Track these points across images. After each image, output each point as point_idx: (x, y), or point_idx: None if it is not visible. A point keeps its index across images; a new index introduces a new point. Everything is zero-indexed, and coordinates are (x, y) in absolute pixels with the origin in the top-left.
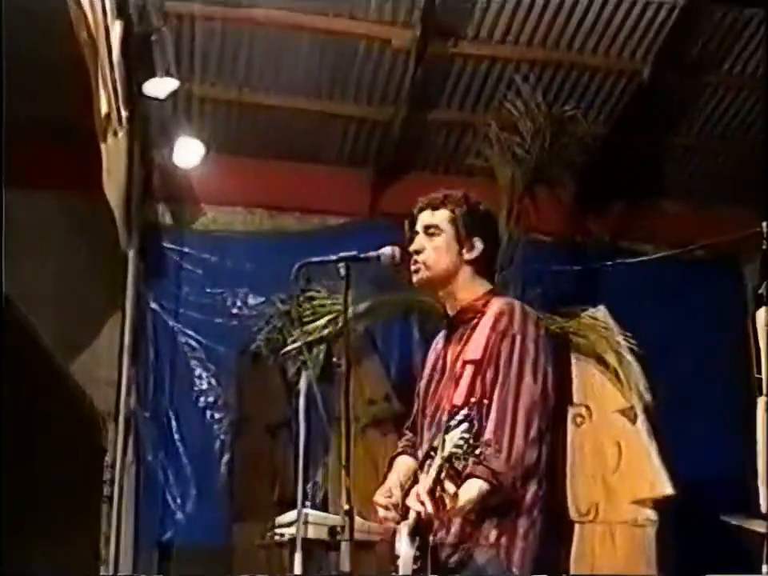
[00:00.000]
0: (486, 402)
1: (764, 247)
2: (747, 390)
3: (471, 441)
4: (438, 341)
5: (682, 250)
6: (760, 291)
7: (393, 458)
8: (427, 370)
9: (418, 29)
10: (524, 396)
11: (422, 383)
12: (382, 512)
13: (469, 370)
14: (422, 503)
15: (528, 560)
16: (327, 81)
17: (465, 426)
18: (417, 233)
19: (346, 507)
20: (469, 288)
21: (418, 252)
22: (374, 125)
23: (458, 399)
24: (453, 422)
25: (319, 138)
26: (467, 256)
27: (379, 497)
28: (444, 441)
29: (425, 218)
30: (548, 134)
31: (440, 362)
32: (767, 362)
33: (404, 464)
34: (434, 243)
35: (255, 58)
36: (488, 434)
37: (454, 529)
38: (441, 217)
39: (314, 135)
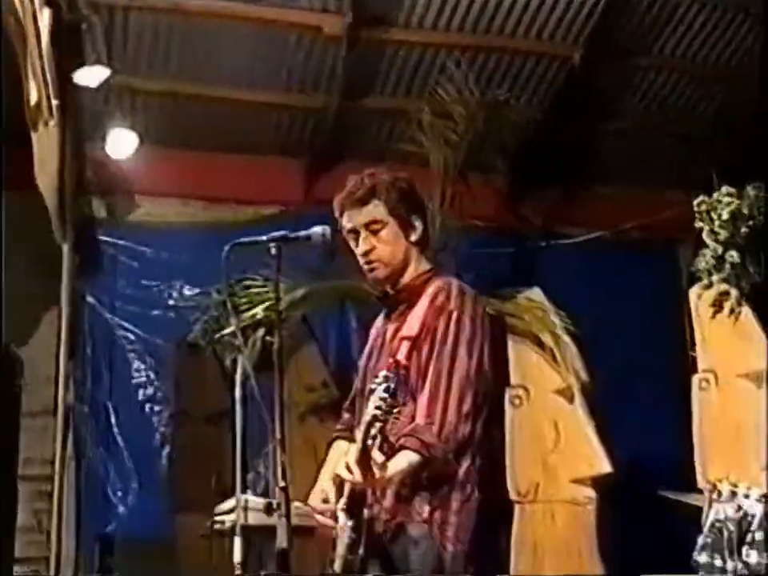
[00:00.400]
0: (413, 373)
1: (696, 224)
2: (683, 368)
3: (389, 400)
4: (379, 319)
5: (616, 230)
6: (692, 268)
7: (329, 444)
8: (367, 349)
9: (349, 16)
10: (458, 371)
11: (362, 362)
12: (319, 517)
13: (405, 345)
14: (350, 471)
15: (463, 536)
16: (260, 70)
17: (383, 386)
18: (354, 232)
19: (282, 484)
20: (414, 268)
21: (368, 252)
22: (308, 113)
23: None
24: (373, 386)
25: (253, 127)
26: (413, 238)
27: (314, 500)
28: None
29: (359, 216)
30: (481, 119)
31: (379, 339)
32: (701, 339)
33: (339, 451)
34: (382, 237)
35: (188, 48)
36: (421, 408)
37: (387, 503)
38: (378, 210)
39: (247, 125)
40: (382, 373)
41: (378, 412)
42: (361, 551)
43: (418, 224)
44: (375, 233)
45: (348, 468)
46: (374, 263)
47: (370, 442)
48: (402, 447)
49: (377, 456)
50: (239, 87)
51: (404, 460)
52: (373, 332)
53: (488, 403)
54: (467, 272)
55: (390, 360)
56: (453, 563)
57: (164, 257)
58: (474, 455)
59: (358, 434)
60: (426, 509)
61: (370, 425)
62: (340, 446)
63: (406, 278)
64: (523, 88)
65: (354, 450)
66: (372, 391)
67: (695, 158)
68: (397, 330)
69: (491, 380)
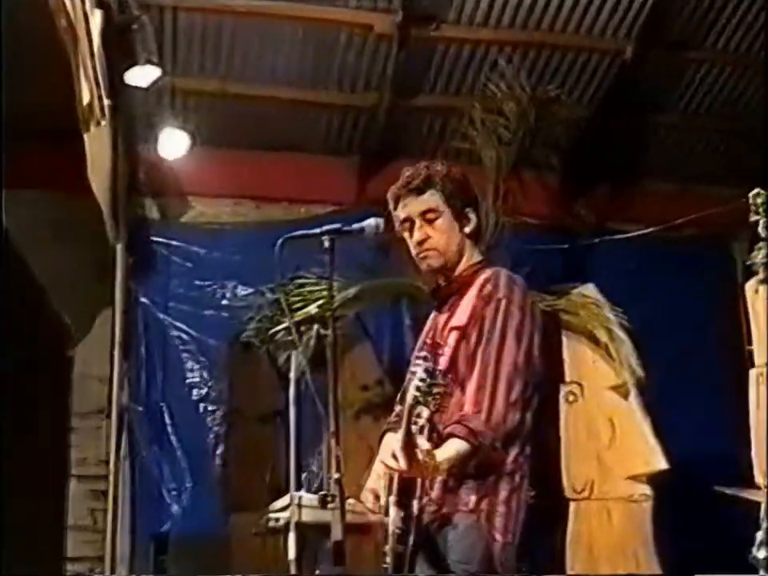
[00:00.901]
0: (461, 363)
1: (751, 218)
2: (739, 363)
3: (429, 380)
4: (432, 314)
5: (669, 225)
6: (748, 262)
7: (381, 437)
8: (419, 342)
9: (399, 14)
10: (506, 359)
11: (414, 356)
12: (371, 516)
13: (454, 335)
14: (396, 459)
15: (512, 526)
16: (310, 69)
17: (422, 367)
18: (409, 222)
19: (336, 476)
20: (467, 260)
21: (423, 241)
22: (359, 112)
23: (442, 365)
24: (413, 368)
25: (304, 127)
26: (467, 230)
27: (366, 496)
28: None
29: (415, 204)
30: (532, 115)
31: (430, 332)
32: (758, 333)
33: (390, 445)
34: (437, 226)
35: (237, 48)
36: (469, 396)
37: (434, 494)
38: (434, 199)
39: (298, 124)
40: (422, 354)
41: (418, 393)
42: (411, 543)
43: (473, 216)
44: (431, 222)
45: (394, 456)
46: (429, 252)
47: (414, 428)
48: (450, 435)
49: (422, 443)
50: (290, 87)
51: (452, 448)
52: (426, 327)
53: (537, 393)
54: (521, 269)
55: (429, 341)
56: (502, 553)
57: (217, 257)
58: (524, 445)
59: (403, 421)
60: (473, 498)
61: (412, 407)
62: (391, 439)
63: (459, 269)
64: (574, 84)
65: (398, 438)
66: (413, 374)
67: (747, 151)
68: (447, 321)
69: (541, 370)
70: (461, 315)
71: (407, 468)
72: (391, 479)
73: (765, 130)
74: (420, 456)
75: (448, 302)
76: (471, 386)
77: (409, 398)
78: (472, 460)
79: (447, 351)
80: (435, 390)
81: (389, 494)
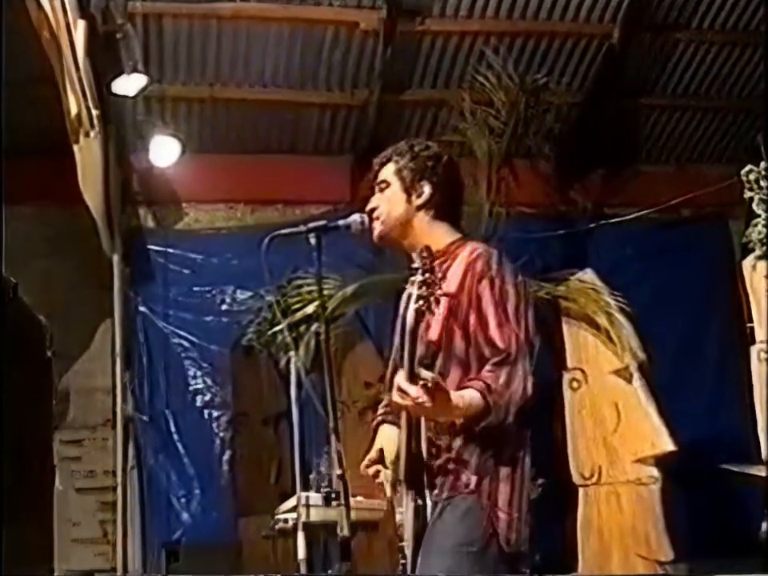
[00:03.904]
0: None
1: (745, 195)
2: (741, 340)
3: (427, 277)
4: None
5: (664, 205)
6: (744, 240)
7: (375, 429)
8: (398, 324)
9: (384, 10)
10: (515, 339)
11: (397, 338)
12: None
13: (443, 302)
14: (404, 392)
15: (517, 503)
16: (298, 70)
17: (419, 265)
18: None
19: (339, 472)
20: (430, 234)
21: (372, 210)
22: (349, 110)
23: (433, 335)
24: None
25: (294, 128)
26: (417, 202)
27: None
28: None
29: (378, 175)
30: (522, 104)
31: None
32: (757, 310)
33: (386, 437)
34: (385, 196)
35: (224, 53)
36: (489, 366)
37: (437, 481)
38: (388, 171)
39: (289, 126)
40: (415, 265)
41: (420, 292)
42: (428, 516)
43: (426, 189)
44: (382, 192)
45: (400, 390)
46: (375, 221)
47: (419, 351)
48: (467, 387)
49: (425, 374)
50: (278, 88)
51: (466, 394)
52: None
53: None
54: (518, 258)
55: (438, 324)
56: (509, 530)
57: (214, 262)
58: (526, 423)
59: (406, 349)
60: (474, 479)
61: (417, 314)
62: (385, 430)
63: (428, 244)
64: (563, 70)
65: (403, 371)
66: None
67: (739, 129)
68: None
69: (537, 348)
70: (449, 283)
71: (418, 396)
72: (397, 460)
73: (764, 107)
74: (429, 384)
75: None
76: (490, 364)
77: (410, 318)
78: (483, 419)
79: (438, 320)
80: (435, 286)
81: (395, 475)
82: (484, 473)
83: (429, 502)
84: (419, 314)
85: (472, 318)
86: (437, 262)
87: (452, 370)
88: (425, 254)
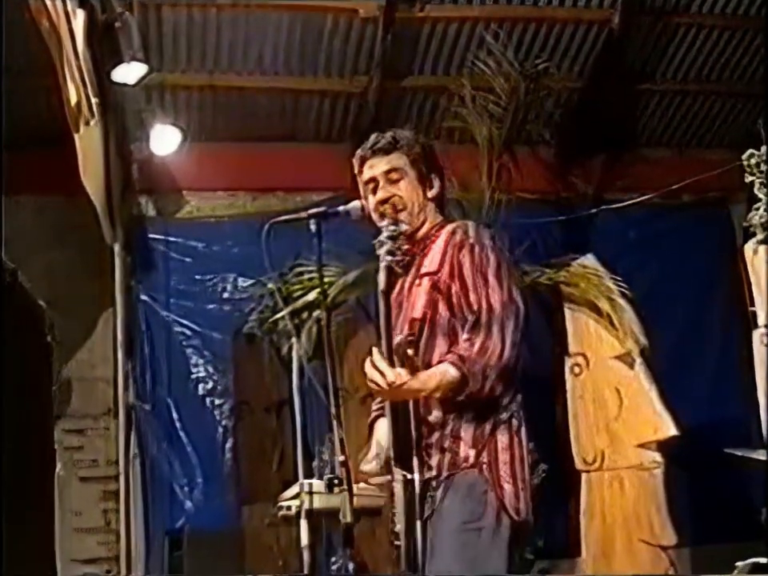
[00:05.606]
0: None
1: (746, 179)
2: (743, 325)
3: (392, 230)
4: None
5: (666, 190)
6: (746, 224)
7: (371, 425)
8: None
9: None
10: (493, 300)
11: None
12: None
13: (426, 281)
14: (380, 371)
15: (519, 473)
16: (297, 58)
17: (387, 226)
18: (373, 183)
19: (341, 458)
20: (430, 223)
21: (386, 200)
22: (349, 97)
23: (417, 312)
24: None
25: (295, 115)
26: (430, 194)
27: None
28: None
29: (380, 164)
30: (522, 90)
31: (401, 291)
32: (759, 294)
33: (383, 433)
34: (401, 187)
35: (223, 40)
36: (462, 337)
37: (433, 461)
38: (399, 159)
39: (289, 113)
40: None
41: (389, 246)
42: (417, 494)
43: (436, 182)
44: (395, 182)
45: (377, 370)
46: (391, 211)
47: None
48: (441, 362)
49: (398, 340)
50: (278, 76)
51: (438, 370)
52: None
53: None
54: (520, 244)
55: (422, 302)
56: (515, 500)
57: (216, 250)
58: (516, 391)
59: (381, 314)
60: (472, 453)
61: (388, 272)
62: (381, 425)
63: (422, 231)
64: (563, 56)
65: (381, 349)
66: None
67: (739, 114)
68: (416, 274)
69: (524, 310)
70: (432, 261)
71: (395, 378)
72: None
73: (765, 91)
74: (406, 362)
75: (413, 263)
76: (468, 327)
77: (381, 278)
78: (463, 389)
79: (422, 297)
80: (399, 245)
81: (388, 466)
82: (481, 445)
83: (417, 477)
84: (389, 272)
85: (454, 288)
86: (418, 247)
87: (438, 342)
88: (389, 211)
